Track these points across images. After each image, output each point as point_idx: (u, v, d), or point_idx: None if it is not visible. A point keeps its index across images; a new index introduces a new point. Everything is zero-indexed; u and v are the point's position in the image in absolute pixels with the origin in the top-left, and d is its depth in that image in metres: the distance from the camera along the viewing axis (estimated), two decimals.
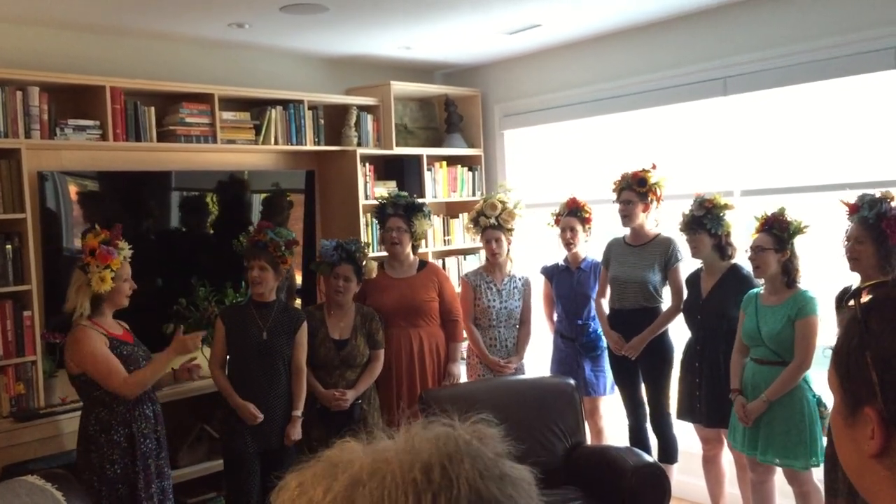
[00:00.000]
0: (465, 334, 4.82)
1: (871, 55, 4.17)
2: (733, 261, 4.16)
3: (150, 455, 3.51)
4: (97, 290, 3.41)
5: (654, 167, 4.50)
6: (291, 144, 5.15)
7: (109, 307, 3.52)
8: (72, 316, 3.47)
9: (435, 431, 0.76)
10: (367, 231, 5.36)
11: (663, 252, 4.45)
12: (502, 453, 0.77)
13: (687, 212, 4.19)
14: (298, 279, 5.34)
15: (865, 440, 0.73)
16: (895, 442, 0.71)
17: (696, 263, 4.30)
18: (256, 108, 5.03)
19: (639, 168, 4.51)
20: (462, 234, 5.78)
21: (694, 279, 4.28)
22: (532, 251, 5.70)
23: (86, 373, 3.41)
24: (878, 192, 3.48)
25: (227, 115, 4.83)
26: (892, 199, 3.42)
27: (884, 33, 4.11)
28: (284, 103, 5.10)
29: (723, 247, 4.14)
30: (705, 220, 4.10)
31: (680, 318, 4.39)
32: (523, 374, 4.86)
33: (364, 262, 4.29)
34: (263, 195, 5.24)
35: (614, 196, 4.57)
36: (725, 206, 4.14)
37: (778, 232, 3.77)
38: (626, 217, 4.50)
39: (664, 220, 4.60)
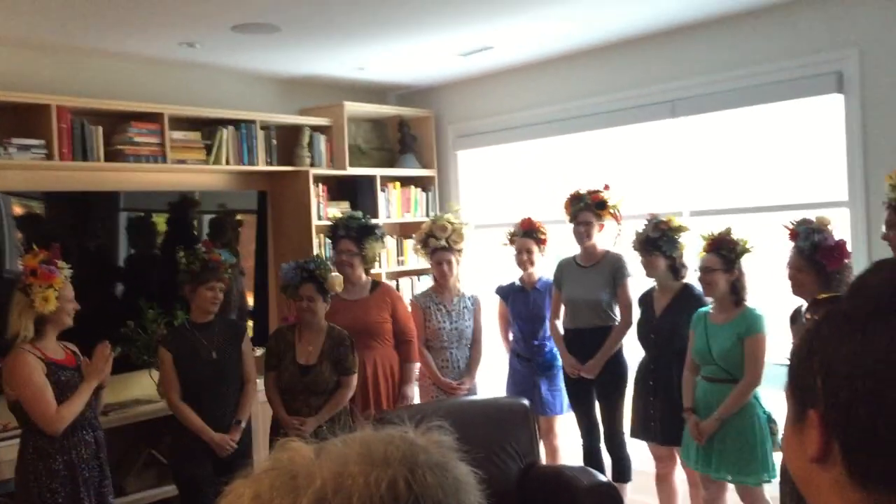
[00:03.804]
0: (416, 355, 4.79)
1: (814, 79, 4.28)
2: (685, 280, 4.21)
3: (91, 483, 3.41)
4: (41, 310, 3.31)
5: (606, 188, 4.55)
6: (243, 164, 5.10)
7: (53, 328, 3.42)
8: (14, 340, 3.37)
9: (388, 433, 0.77)
10: (321, 252, 5.31)
11: (612, 269, 4.49)
12: (455, 459, 0.78)
13: (640, 231, 4.22)
14: (250, 300, 5.29)
15: (809, 444, 0.76)
16: (835, 448, 0.74)
17: (646, 281, 4.34)
18: (207, 127, 4.98)
19: (591, 189, 4.55)
20: (415, 254, 5.77)
21: (647, 299, 4.31)
22: (484, 271, 5.72)
23: (19, 400, 3.32)
24: (815, 218, 3.58)
25: (177, 134, 4.77)
26: (826, 225, 3.52)
27: (826, 58, 4.23)
28: (236, 123, 5.06)
29: (676, 268, 4.18)
30: (660, 242, 4.13)
31: (633, 336, 4.43)
32: (476, 394, 4.85)
33: (327, 279, 4.23)
34: (211, 216, 5.18)
35: (566, 216, 4.60)
36: (680, 228, 4.17)
37: (725, 252, 3.83)
38: (586, 237, 4.53)
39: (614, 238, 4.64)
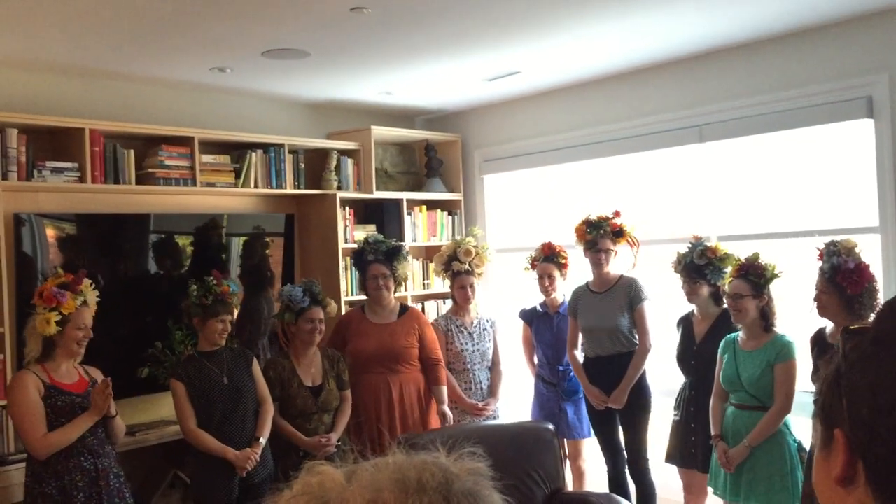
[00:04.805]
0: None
1: (844, 104, 4.25)
2: (725, 305, 4.14)
3: None
4: (42, 332, 3.30)
5: (617, 214, 4.53)
6: (271, 188, 5.15)
7: (62, 353, 3.38)
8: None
9: (421, 459, 0.76)
10: (346, 275, 5.34)
11: (627, 294, 4.47)
12: (489, 487, 0.77)
13: (683, 254, 4.17)
14: None
15: (835, 465, 0.77)
16: (860, 471, 0.75)
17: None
18: (237, 151, 5.04)
19: (603, 214, 4.53)
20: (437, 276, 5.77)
21: (686, 324, 4.26)
22: (509, 294, 5.71)
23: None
24: (841, 240, 3.56)
25: (207, 157, 4.83)
26: (852, 248, 3.50)
27: (856, 83, 4.20)
28: (265, 147, 5.11)
29: (719, 295, 4.14)
30: (706, 271, 4.09)
31: (653, 360, 4.39)
32: (497, 417, 4.84)
33: (327, 304, 4.27)
34: (243, 238, 5.22)
35: (578, 242, 4.57)
36: (727, 258, 4.08)
37: (754, 278, 3.79)
38: (606, 263, 4.51)
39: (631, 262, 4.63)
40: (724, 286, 4.06)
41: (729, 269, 4.04)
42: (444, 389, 4.65)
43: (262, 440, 3.93)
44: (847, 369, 0.78)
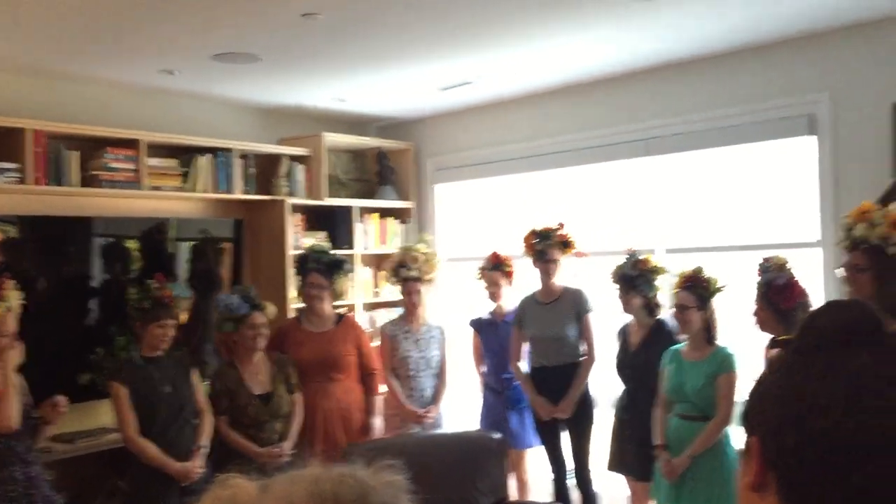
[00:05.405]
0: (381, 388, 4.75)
1: (785, 121, 4.36)
2: (658, 316, 4.22)
3: None
4: None
5: (560, 226, 4.57)
6: (220, 192, 5.08)
7: None
8: None
9: (339, 472, 0.74)
10: (295, 281, 5.28)
11: (575, 304, 4.51)
12: (406, 499, 0.76)
13: (620, 266, 4.24)
14: None
15: (749, 471, 0.79)
16: (771, 479, 0.76)
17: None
18: (184, 155, 4.96)
19: (548, 226, 4.57)
20: (387, 282, 5.75)
21: (623, 333, 4.33)
22: (459, 303, 5.71)
23: None
24: (773, 256, 3.66)
25: (154, 161, 4.75)
26: (782, 264, 3.61)
27: (798, 101, 4.31)
28: (213, 151, 5.05)
29: (651, 307, 4.21)
30: (637, 282, 4.16)
31: (599, 370, 4.44)
32: (441, 424, 4.83)
33: (265, 308, 4.23)
34: (191, 243, 5.15)
35: (527, 253, 4.59)
36: (657, 269, 4.19)
37: (700, 290, 3.86)
38: (554, 274, 4.54)
39: (579, 272, 4.66)
40: (657, 297, 4.16)
41: (658, 281, 4.15)
42: (377, 400, 4.64)
43: (204, 449, 3.87)
44: (765, 377, 0.80)
